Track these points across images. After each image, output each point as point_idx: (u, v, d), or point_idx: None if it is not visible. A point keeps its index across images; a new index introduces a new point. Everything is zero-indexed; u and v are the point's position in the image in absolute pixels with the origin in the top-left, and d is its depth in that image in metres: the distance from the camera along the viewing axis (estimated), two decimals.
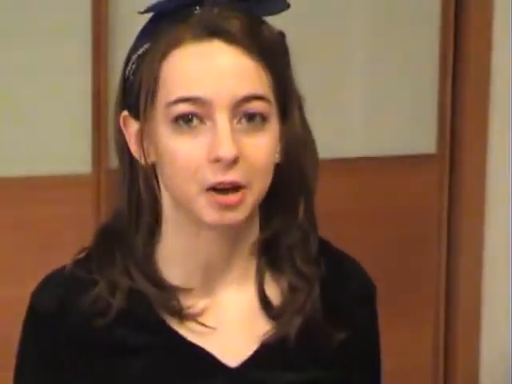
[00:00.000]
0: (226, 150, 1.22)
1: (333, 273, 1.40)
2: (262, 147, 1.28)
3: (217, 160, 1.23)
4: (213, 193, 1.24)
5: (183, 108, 1.25)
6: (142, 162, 1.32)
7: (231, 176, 1.24)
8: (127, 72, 1.35)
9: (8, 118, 3.40)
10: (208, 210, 1.26)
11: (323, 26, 3.59)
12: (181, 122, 1.26)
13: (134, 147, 1.33)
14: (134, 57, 1.34)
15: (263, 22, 1.33)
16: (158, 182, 1.36)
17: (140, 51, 1.33)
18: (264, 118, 1.27)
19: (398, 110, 3.56)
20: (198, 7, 1.29)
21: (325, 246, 1.43)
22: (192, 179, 1.26)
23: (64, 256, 1.44)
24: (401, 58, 3.59)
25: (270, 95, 1.27)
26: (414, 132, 3.55)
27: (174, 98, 1.25)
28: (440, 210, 3.43)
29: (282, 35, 1.34)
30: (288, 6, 1.35)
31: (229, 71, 1.28)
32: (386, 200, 3.36)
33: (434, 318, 3.42)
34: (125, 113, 1.33)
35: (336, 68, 3.66)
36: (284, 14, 1.57)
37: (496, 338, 3.44)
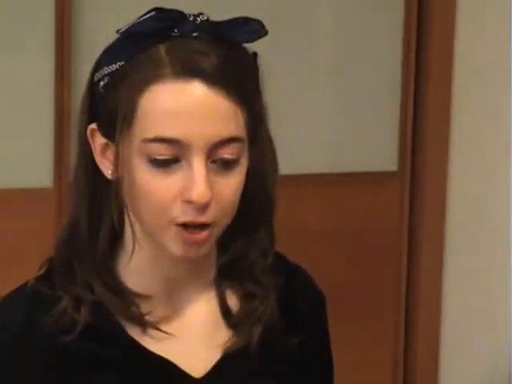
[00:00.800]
0: (200, 195, 1.23)
1: (288, 284, 1.44)
2: (232, 186, 1.29)
3: (190, 202, 1.24)
4: (181, 228, 1.27)
5: (159, 149, 1.26)
6: (109, 176, 1.32)
7: (202, 218, 1.26)
8: (98, 83, 1.34)
9: None
10: (175, 245, 1.29)
11: (285, 54, 3.56)
12: (157, 162, 1.27)
13: (99, 159, 1.33)
14: (107, 70, 1.32)
15: (239, 49, 1.33)
16: (120, 195, 1.36)
17: (114, 67, 1.31)
18: (236, 162, 1.29)
19: (361, 128, 3.60)
20: (176, 30, 1.28)
21: (281, 259, 1.45)
22: (163, 213, 1.28)
23: (25, 271, 1.43)
24: (363, 77, 3.62)
25: (245, 133, 1.28)
26: (376, 149, 3.60)
27: (151, 135, 1.25)
28: (401, 225, 3.49)
29: (255, 55, 1.34)
30: (266, 32, 1.34)
31: (208, 114, 1.28)
32: (349, 215, 3.42)
33: (393, 332, 3.49)
34: (93, 126, 1.32)
35: (298, 85, 3.71)
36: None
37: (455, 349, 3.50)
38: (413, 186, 3.50)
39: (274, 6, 3.50)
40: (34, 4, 3.48)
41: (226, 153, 1.28)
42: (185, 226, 1.28)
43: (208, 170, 1.27)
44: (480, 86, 3.59)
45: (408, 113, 3.61)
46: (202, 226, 1.29)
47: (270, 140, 1.40)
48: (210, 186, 1.26)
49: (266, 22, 2.14)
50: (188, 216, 1.27)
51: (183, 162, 1.27)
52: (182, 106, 1.28)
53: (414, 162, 3.53)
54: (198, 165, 1.27)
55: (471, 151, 3.48)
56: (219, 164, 1.29)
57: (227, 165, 1.30)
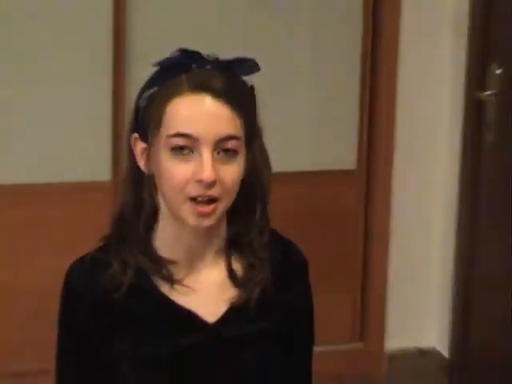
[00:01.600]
0: (207, 176, 1.51)
1: (280, 253, 1.73)
2: (232, 173, 1.57)
3: (200, 181, 1.52)
4: (193, 203, 1.53)
5: (178, 141, 1.53)
6: (146, 172, 1.62)
7: (209, 192, 1.53)
8: (139, 105, 1.63)
9: (42, 132, 3.88)
10: (190, 216, 1.55)
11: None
12: (176, 150, 1.54)
13: (140, 160, 1.62)
14: (146, 95, 1.62)
15: (239, 78, 1.62)
16: (155, 186, 1.64)
17: (150, 92, 1.61)
18: (235, 152, 1.56)
19: (325, 130, 4.03)
20: (194, 65, 1.58)
21: (275, 235, 1.75)
22: (180, 191, 1.54)
23: (87, 246, 1.74)
24: (325, 81, 4.01)
25: (241, 135, 1.56)
26: (339, 150, 4.04)
27: (172, 132, 1.53)
28: (358, 212, 3.95)
29: (252, 88, 1.64)
30: (259, 69, 1.65)
31: (213, 118, 1.55)
32: (319, 204, 3.81)
33: (354, 288, 3.95)
34: (135, 135, 1.62)
35: (265, 89, 4.07)
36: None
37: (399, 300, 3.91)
38: (368, 182, 3.93)
39: (253, 19, 3.82)
40: (93, 10, 3.91)
41: (227, 146, 1.54)
42: (196, 200, 1.54)
43: (214, 160, 1.53)
44: (421, 90, 3.96)
45: (364, 120, 4.00)
46: (209, 201, 1.55)
47: (264, 150, 1.69)
48: (215, 171, 1.52)
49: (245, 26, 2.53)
50: (198, 191, 1.52)
51: (195, 153, 1.54)
52: (195, 112, 1.54)
53: (369, 162, 3.94)
54: (206, 154, 1.52)
55: (412, 151, 3.90)
56: (222, 155, 1.55)
57: (228, 156, 1.56)
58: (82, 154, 3.80)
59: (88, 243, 1.86)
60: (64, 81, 3.90)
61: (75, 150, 3.79)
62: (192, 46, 1.75)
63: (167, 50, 2.19)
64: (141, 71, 3.43)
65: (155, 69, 1.68)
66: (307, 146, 3.98)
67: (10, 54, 3.91)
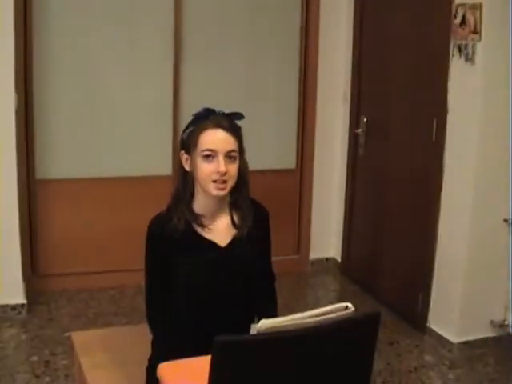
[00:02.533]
0: (222, 169, 2.37)
1: (256, 210, 2.58)
2: (234, 169, 2.42)
3: (218, 172, 2.37)
4: (214, 183, 2.39)
5: (206, 153, 2.39)
6: (188, 169, 2.45)
7: (223, 178, 2.39)
8: (183, 137, 2.49)
9: (125, 138, 5.10)
10: (213, 191, 2.40)
11: None
12: (205, 157, 2.39)
13: (185, 164, 2.47)
14: (187, 131, 2.48)
15: (234, 122, 2.48)
16: (193, 177, 2.46)
17: (189, 130, 2.47)
18: (235, 158, 2.42)
19: (270, 136, 5.52)
20: (212, 115, 2.44)
21: (253, 200, 2.58)
22: (208, 177, 2.40)
23: (156, 211, 2.58)
24: (271, 91, 5.43)
25: (237, 149, 2.43)
26: (283, 153, 5.64)
27: (203, 148, 2.40)
28: (295, 196, 5.70)
29: (240, 127, 2.47)
30: (243, 117, 2.49)
31: (224, 141, 2.41)
32: (270, 192, 5.06)
33: (293, 227, 5.76)
34: (182, 152, 2.48)
35: (214, 92, 5.19)
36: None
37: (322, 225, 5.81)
38: (302, 176, 5.72)
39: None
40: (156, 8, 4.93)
41: (231, 154, 2.40)
42: (216, 182, 2.38)
43: (225, 162, 2.37)
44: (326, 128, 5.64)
45: (300, 126, 5.59)
46: (222, 182, 2.39)
47: (246, 161, 2.51)
48: (226, 167, 2.36)
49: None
50: (217, 176, 2.37)
51: (215, 158, 2.38)
52: (215, 138, 2.41)
53: (303, 163, 5.69)
54: (221, 159, 2.37)
55: (322, 159, 5.67)
56: (228, 159, 2.38)
57: (231, 160, 2.40)
58: (149, 153, 5.15)
59: (156, 209, 2.61)
60: (132, 86, 5.03)
61: (142, 150, 5.16)
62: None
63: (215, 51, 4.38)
64: (192, 72, 4.88)
65: (191, 117, 2.52)
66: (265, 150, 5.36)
67: (80, 56, 4.92)
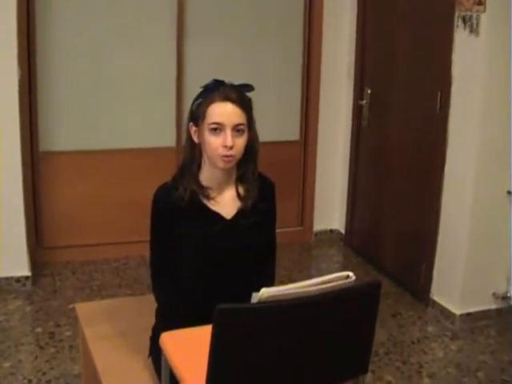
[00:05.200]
0: (229, 142, 2.32)
1: (262, 182, 2.54)
2: (241, 143, 2.38)
3: (225, 146, 2.33)
4: (222, 156, 2.35)
5: (214, 126, 2.35)
6: (196, 141, 2.42)
7: (230, 152, 2.35)
8: (193, 108, 2.46)
9: (129, 110, 5.12)
10: (220, 163, 2.38)
11: None
12: (213, 130, 2.34)
13: (193, 136, 2.43)
14: (196, 103, 2.44)
15: (243, 93, 2.43)
16: (201, 149, 2.43)
17: (198, 101, 2.43)
18: (243, 131, 2.36)
19: (274, 108, 5.53)
20: (221, 87, 2.38)
21: (260, 173, 2.54)
22: (215, 151, 2.36)
23: (162, 180, 2.54)
24: (275, 63, 5.46)
25: (245, 123, 2.36)
26: (287, 125, 5.67)
27: (211, 121, 2.36)
28: (299, 168, 5.74)
29: (250, 99, 2.43)
30: (253, 88, 2.45)
31: (232, 114, 2.35)
32: (277, 161, 5.33)
33: (297, 199, 5.81)
34: (191, 123, 2.45)
35: (217, 64, 5.20)
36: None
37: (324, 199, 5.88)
38: (305, 147, 5.76)
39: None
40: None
41: (238, 128, 2.34)
42: (222, 156, 2.35)
43: (232, 135, 2.32)
44: (330, 100, 5.65)
45: (304, 98, 5.60)
46: (229, 156, 2.35)
47: (256, 132, 2.46)
48: (233, 141, 2.31)
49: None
50: (224, 151, 2.34)
51: (222, 132, 2.33)
52: (223, 111, 2.35)
53: (307, 135, 5.72)
54: (228, 132, 2.32)
55: (326, 131, 5.72)
56: (236, 133, 2.34)
57: (239, 134, 2.36)
58: (153, 125, 5.15)
59: (160, 181, 2.57)
60: (137, 63, 5.03)
61: (147, 122, 5.15)
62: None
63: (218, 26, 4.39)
64: (195, 48, 4.84)
65: (201, 89, 2.46)
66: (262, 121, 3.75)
67: (87, 34, 4.91)
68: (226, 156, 2.35)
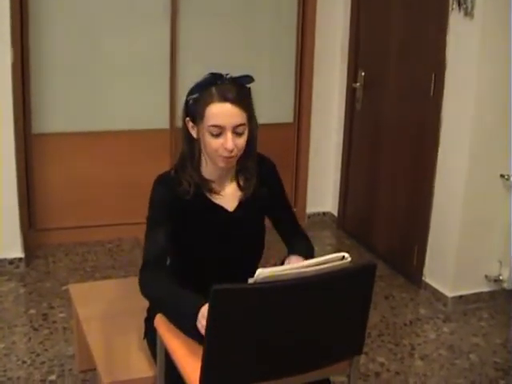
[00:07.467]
0: (229, 146, 2.24)
1: (262, 164, 2.50)
2: (241, 143, 2.31)
3: (226, 149, 2.26)
4: (222, 156, 2.29)
5: (213, 129, 2.24)
6: (195, 136, 2.35)
7: (230, 154, 2.27)
8: (188, 102, 2.33)
9: (122, 91, 5.09)
10: (221, 163, 2.32)
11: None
12: (212, 133, 2.26)
13: (192, 131, 2.34)
14: (191, 97, 2.31)
15: (243, 86, 2.29)
16: (199, 142, 2.35)
17: (194, 96, 2.30)
18: (243, 132, 2.28)
19: (267, 90, 5.48)
20: (219, 82, 2.26)
21: (259, 154, 2.50)
22: (216, 152, 2.29)
23: (161, 169, 2.48)
24: (268, 44, 5.41)
25: (245, 121, 2.26)
26: (280, 107, 5.63)
27: (210, 124, 2.24)
28: (292, 150, 5.71)
29: (249, 89, 2.32)
30: (253, 80, 2.32)
31: (231, 115, 2.24)
32: (271, 144, 4.65)
33: (290, 180, 5.74)
34: (187, 119, 2.33)
35: (211, 46, 5.11)
36: None
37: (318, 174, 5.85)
38: (299, 130, 5.75)
39: None
40: None
41: (239, 129, 2.26)
42: (223, 157, 2.30)
43: (233, 137, 2.24)
44: (325, 82, 5.62)
45: (297, 80, 5.56)
46: (230, 157, 2.30)
47: (256, 125, 2.36)
48: (234, 143, 2.23)
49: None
50: (225, 153, 2.29)
51: (222, 134, 2.24)
52: (222, 113, 2.23)
53: (300, 117, 5.69)
54: (228, 134, 2.23)
55: (320, 113, 5.67)
56: (235, 134, 2.26)
57: (239, 135, 2.27)
58: (147, 108, 5.10)
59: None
60: (129, 41, 4.97)
61: (141, 104, 5.11)
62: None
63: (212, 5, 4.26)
64: (189, 29, 4.70)
65: (197, 82, 2.33)
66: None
67: (81, 15, 4.88)
68: (227, 157, 2.31)
